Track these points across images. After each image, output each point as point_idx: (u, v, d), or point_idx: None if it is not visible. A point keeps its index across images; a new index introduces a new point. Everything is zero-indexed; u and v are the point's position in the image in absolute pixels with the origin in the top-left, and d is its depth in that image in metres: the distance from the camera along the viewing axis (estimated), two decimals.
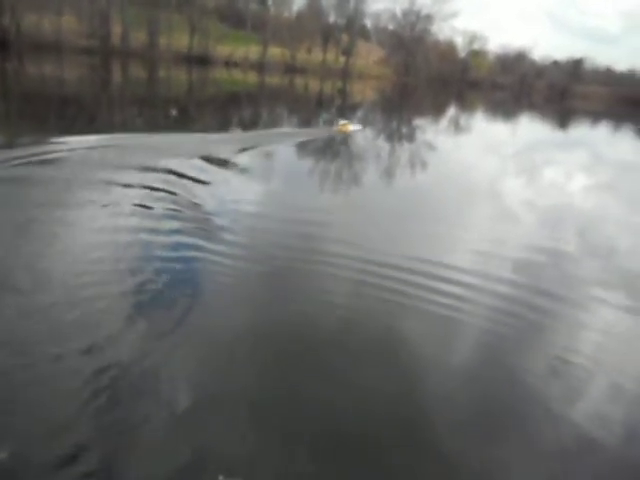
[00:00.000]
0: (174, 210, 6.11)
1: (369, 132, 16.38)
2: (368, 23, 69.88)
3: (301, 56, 56.24)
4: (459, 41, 74.63)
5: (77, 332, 3.42)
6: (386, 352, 3.76)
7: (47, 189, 6.39)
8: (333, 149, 13.44)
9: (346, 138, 14.74)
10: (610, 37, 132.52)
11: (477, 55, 77.03)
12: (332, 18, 61.73)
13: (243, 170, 9.01)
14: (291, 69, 51.77)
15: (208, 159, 9.19)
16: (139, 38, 44.06)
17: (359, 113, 23.93)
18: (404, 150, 14.41)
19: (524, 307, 4.60)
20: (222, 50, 48.60)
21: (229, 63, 48.18)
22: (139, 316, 3.72)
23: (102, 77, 27.16)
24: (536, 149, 18.41)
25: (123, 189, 6.75)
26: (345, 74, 56.27)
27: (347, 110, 24.44)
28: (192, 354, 3.40)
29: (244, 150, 10.62)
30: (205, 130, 13.01)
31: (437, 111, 32.44)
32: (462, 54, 75.67)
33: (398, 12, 65.06)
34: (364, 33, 69.04)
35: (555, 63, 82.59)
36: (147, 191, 6.72)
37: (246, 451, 2.67)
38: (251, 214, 6.60)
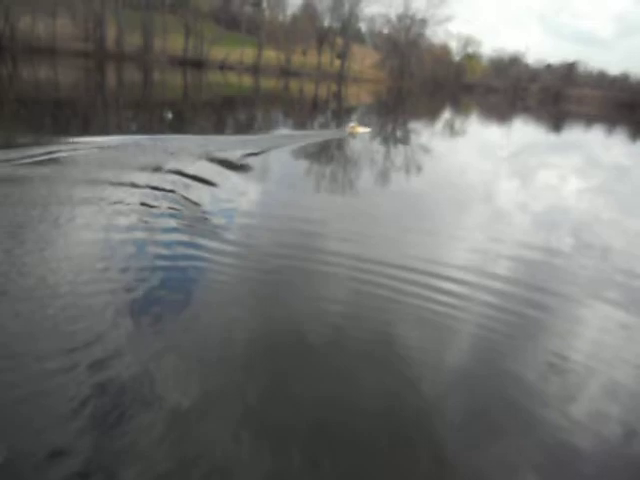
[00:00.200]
0: (185, 219, 6.10)
1: (366, 136, 16.45)
2: (363, 27, 70.38)
3: (296, 59, 56.39)
4: (453, 45, 75.32)
5: (61, 330, 3.40)
6: (384, 351, 3.76)
7: (49, 188, 6.43)
8: (342, 151, 13.58)
9: (355, 140, 14.94)
10: (602, 41, 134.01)
11: (471, 59, 77.63)
12: (327, 21, 62.02)
13: (255, 172, 9.15)
14: (286, 72, 51.87)
15: (218, 161, 9.33)
16: (134, 41, 44.02)
17: (354, 116, 23.99)
18: (400, 153, 14.45)
19: (521, 306, 4.63)
20: (217, 52, 48.63)
21: (224, 67, 48.21)
22: (134, 315, 3.72)
23: (97, 81, 27.11)
24: (531, 152, 18.52)
25: (129, 188, 6.85)
26: (340, 78, 56.44)
27: (342, 113, 24.50)
28: (188, 354, 3.40)
29: (255, 153, 10.75)
30: (211, 133, 13.11)
31: (432, 114, 32.58)
32: (456, 58, 76.25)
33: (393, 16, 65.55)
34: (359, 37, 69.37)
35: (549, 67, 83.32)
36: (155, 192, 6.81)
37: (242, 452, 2.67)
38: (258, 214, 6.73)
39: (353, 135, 15.23)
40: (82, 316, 3.65)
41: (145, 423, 2.77)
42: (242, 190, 7.83)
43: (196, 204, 6.64)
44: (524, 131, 28.47)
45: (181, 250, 5.08)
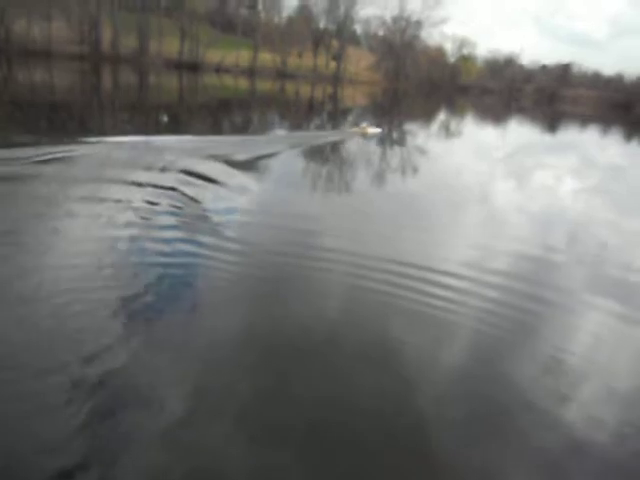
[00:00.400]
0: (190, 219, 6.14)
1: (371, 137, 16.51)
2: (358, 29, 70.43)
3: (292, 61, 56.42)
4: (448, 47, 75.51)
5: (61, 327, 3.39)
6: (382, 350, 3.77)
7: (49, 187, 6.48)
8: (338, 152, 13.64)
9: (366, 140, 15.14)
10: (597, 42, 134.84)
11: (466, 60, 77.85)
12: (322, 24, 62.05)
13: (254, 172, 9.30)
14: (282, 75, 51.90)
15: (230, 162, 9.48)
16: (129, 43, 43.91)
17: (350, 118, 24.02)
18: (396, 154, 14.48)
19: (517, 307, 4.64)
20: (213, 55, 48.57)
21: (220, 69, 48.19)
22: (133, 314, 3.73)
23: (92, 83, 27.05)
24: (526, 153, 18.58)
25: (131, 187, 6.97)
26: (336, 80, 56.49)
27: (338, 115, 24.53)
28: (186, 353, 3.39)
29: (264, 155, 10.86)
30: (208, 134, 13.22)
31: (427, 116, 32.64)
32: (451, 59, 76.44)
33: (388, 18, 65.60)
34: (354, 39, 69.48)
35: (543, 68, 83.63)
36: (161, 191, 6.91)
37: (239, 452, 2.66)
38: (257, 213, 6.86)
39: (364, 136, 15.31)
40: (82, 313, 3.66)
41: (144, 423, 2.76)
42: (242, 190, 7.85)
43: (197, 201, 6.71)
44: (519, 132, 28.56)
45: (181, 247, 5.12)
